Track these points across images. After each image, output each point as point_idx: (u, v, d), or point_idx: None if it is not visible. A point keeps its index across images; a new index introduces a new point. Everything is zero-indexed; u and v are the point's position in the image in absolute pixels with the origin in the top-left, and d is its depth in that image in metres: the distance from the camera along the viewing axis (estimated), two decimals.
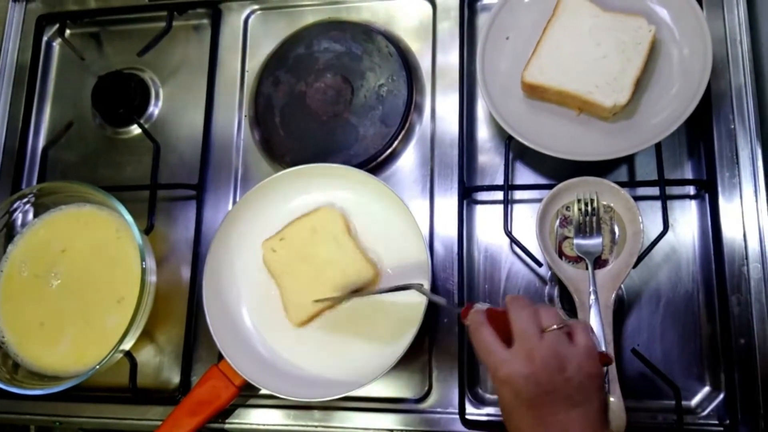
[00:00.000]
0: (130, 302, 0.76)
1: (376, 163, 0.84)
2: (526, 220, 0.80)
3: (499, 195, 0.80)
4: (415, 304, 0.73)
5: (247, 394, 0.79)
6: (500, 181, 0.80)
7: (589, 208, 0.74)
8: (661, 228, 0.73)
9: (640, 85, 0.75)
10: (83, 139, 0.95)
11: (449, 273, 0.80)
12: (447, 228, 0.81)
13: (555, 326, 0.56)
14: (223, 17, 0.95)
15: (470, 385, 0.77)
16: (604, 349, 0.67)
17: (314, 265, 0.79)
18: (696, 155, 0.79)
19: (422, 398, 0.77)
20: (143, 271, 0.76)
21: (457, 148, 0.82)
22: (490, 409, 0.76)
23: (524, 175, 0.82)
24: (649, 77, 0.77)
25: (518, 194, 0.81)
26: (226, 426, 0.79)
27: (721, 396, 0.72)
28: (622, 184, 0.73)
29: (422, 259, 0.74)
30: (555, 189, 0.74)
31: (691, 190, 0.79)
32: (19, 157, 0.94)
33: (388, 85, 0.86)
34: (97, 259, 0.82)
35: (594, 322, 0.68)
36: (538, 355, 0.54)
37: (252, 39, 0.94)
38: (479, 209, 0.82)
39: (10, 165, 0.94)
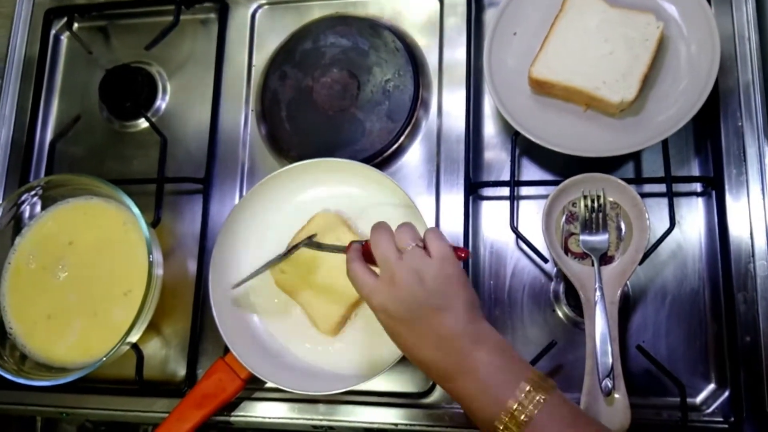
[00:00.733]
0: (137, 295, 0.77)
1: (382, 159, 0.84)
2: (532, 216, 0.80)
3: (505, 191, 0.80)
4: None
5: (253, 387, 0.80)
6: (506, 176, 0.80)
7: (596, 205, 0.74)
8: (667, 225, 0.73)
9: (647, 82, 0.75)
10: (91, 133, 0.95)
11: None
12: (453, 223, 0.81)
13: (411, 245, 0.59)
14: (231, 11, 0.95)
15: None
16: (609, 351, 0.67)
17: (325, 272, 0.78)
18: (703, 152, 0.79)
19: (427, 393, 0.77)
20: (150, 264, 0.76)
21: (463, 144, 0.82)
22: None
23: (530, 171, 0.82)
24: (656, 74, 0.76)
25: (524, 190, 0.81)
26: (232, 419, 0.80)
27: (727, 393, 0.72)
28: (628, 181, 0.73)
29: None
30: (561, 185, 0.74)
31: (697, 187, 0.79)
32: (27, 150, 0.95)
33: (394, 81, 0.86)
34: (105, 251, 0.82)
35: (599, 318, 0.68)
36: (398, 277, 0.58)
37: (259, 33, 0.94)
38: (485, 205, 0.82)
39: (18, 158, 0.95)
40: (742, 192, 0.75)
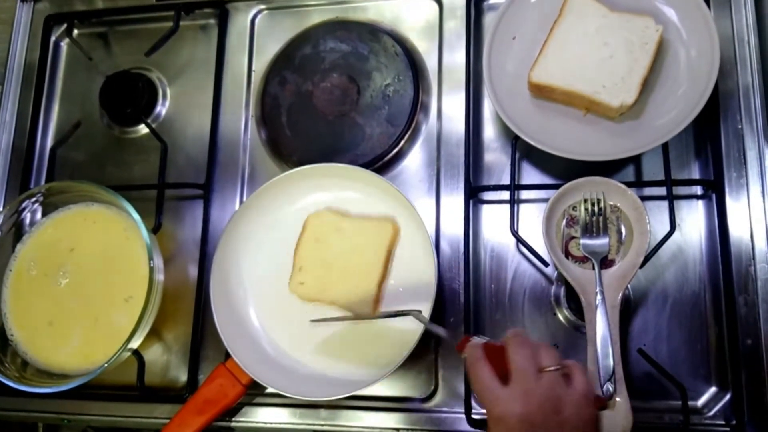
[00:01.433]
0: (138, 301, 0.77)
1: (382, 163, 0.84)
2: (532, 219, 0.80)
3: (505, 195, 0.80)
4: (420, 306, 0.73)
5: (254, 393, 0.80)
6: (507, 180, 0.80)
7: (596, 208, 0.74)
8: (667, 228, 0.73)
9: (647, 85, 0.75)
10: (91, 139, 0.95)
11: (455, 273, 0.80)
12: (453, 227, 0.81)
13: (553, 367, 0.55)
14: (230, 17, 0.95)
15: None
16: (611, 354, 0.67)
17: (341, 264, 0.79)
18: (703, 155, 0.79)
19: (428, 397, 0.77)
20: (151, 270, 0.76)
21: (463, 148, 0.82)
22: None
23: (531, 174, 0.82)
24: (656, 77, 0.76)
25: (525, 194, 0.81)
26: (233, 424, 0.80)
27: (728, 396, 0.72)
28: (628, 184, 0.73)
29: (428, 259, 0.75)
30: (561, 189, 0.74)
31: (698, 190, 0.79)
32: (28, 157, 0.95)
33: (394, 85, 0.86)
34: (105, 258, 0.82)
35: (600, 322, 0.68)
36: (534, 396, 0.54)
37: (259, 39, 0.95)
38: (485, 209, 0.82)
39: (18, 164, 0.95)
40: (743, 195, 0.75)
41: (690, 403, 0.71)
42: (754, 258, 0.73)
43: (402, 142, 0.84)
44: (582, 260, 0.73)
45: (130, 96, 0.92)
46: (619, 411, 0.66)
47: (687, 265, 0.76)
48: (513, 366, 0.56)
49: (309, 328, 0.79)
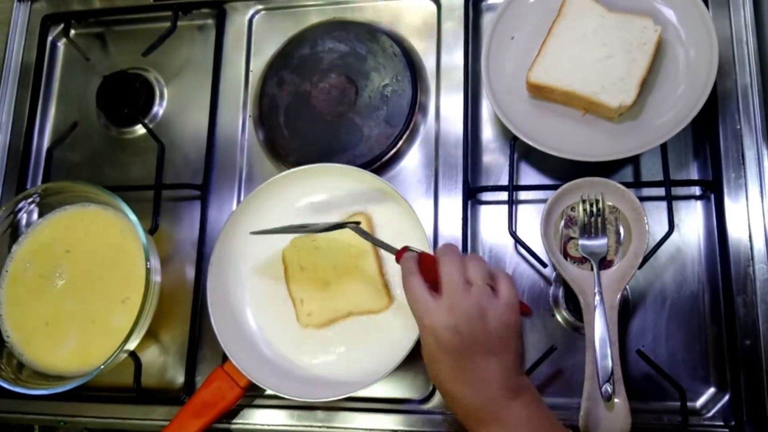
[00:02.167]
0: (134, 302, 0.76)
1: (380, 164, 0.84)
2: (530, 220, 0.80)
3: (503, 195, 0.80)
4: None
5: (252, 395, 0.79)
6: (505, 181, 0.80)
7: (594, 209, 0.74)
8: (666, 229, 0.73)
9: (645, 86, 0.75)
10: (88, 139, 0.95)
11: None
12: (451, 228, 0.81)
13: (480, 280, 0.59)
14: (228, 17, 0.95)
15: None
16: (609, 355, 0.67)
17: (333, 272, 0.79)
18: (702, 156, 0.79)
19: (426, 399, 0.77)
20: (148, 271, 0.76)
21: (461, 149, 0.82)
22: None
23: (529, 175, 0.82)
24: (654, 78, 0.76)
25: (523, 195, 0.81)
26: (232, 426, 0.79)
27: (727, 397, 0.72)
28: (627, 185, 0.73)
29: None
30: (560, 189, 0.74)
31: (696, 190, 0.78)
32: (24, 157, 0.94)
33: (392, 85, 0.86)
34: (102, 259, 0.82)
35: (599, 323, 0.68)
36: (461, 308, 0.57)
37: (256, 39, 0.94)
38: (484, 209, 0.82)
39: (15, 165, 0.94)
40: (741, 195, 0.75)
41: (689, 404, 0.71)
42: (752, 258, 0.73)
43: (400, 143, 0.84)
44: (580, 261, 0.73)
45: (127, 96, 0.92)
46: (618, 412, 0.66)
47: (686, 265, 0.76)
48: (443, 280, 0.59)
49: (306, 330, 0.79)
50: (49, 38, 1.00)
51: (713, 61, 0.73)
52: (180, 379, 0.82)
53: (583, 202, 0.74)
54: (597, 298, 0.69)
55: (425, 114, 0.86)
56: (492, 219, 0.81)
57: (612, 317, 0.69)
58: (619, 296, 0.70)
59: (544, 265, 0.77)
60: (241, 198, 0.88)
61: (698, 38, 0.75)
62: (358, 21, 0.91)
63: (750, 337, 0.71)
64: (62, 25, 0.99)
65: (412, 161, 0.85)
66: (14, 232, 0.85)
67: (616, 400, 0.66)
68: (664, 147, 0.75)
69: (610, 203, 0.74)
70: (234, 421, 0.80)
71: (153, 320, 0.79)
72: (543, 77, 0.76)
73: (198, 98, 0.92)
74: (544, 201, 0.75)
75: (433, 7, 0.90)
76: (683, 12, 0.77)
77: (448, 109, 0.85)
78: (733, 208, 0.75)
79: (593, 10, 0.78)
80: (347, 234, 0.74)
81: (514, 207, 0.79)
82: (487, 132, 0.85)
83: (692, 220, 0.77)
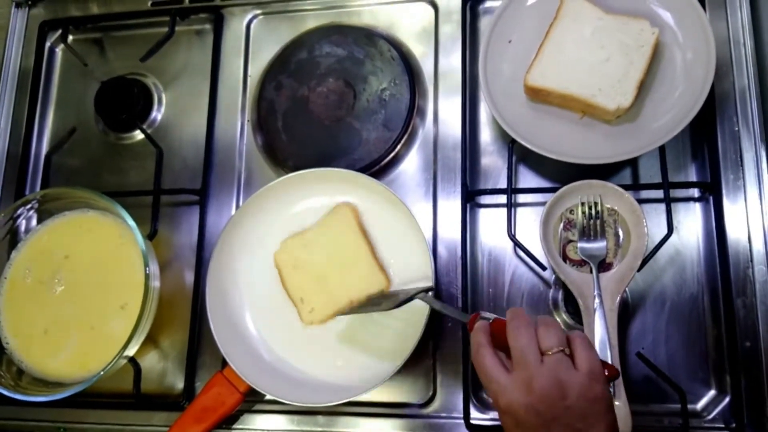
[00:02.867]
0: (133, 308, 0.76)
1: (378, 168, 0.84)
2: (529, 223, 0.80)
3: (502, 198, 0.80)
4: (419, 309, 0.73)
5: (252, 400, 0.79)
6: (503, 184, 0.80)
7: (593, 212, 0.74)
8: (665, 231, 0.73)
9: (643, 88, 0.75)
10: (86, 145, 0.95)
11: (453, 277, 0.79)
12: (450, 232, 0.81)
13: (555, 349, 0.53)
14: (226, 22, 0.95)
15: (475, 390, 0.76)
16: (609, 358, 0.66)
17: (328, 269, 0.79)
18: (700, 157, 0.79)
19: (426, 403, 0.77)
20: (147, 276, 0.76)
21: (460, 152, 0.82)
22: (495, 414, 0.75)
23: (527, 178, 0.82)
24: (652, 80, 0.76)
25: (521, 197, 0.81)
26: None
27: (727, 399, 0.72)
28: (625, 187, 0.73)
29: (425, 263, 0.74)
30: (558, 192, 0.74)
31: (695, 192, 0.78)
32: (23, 163, 0.94)
33: (390, 89, 0.86)
34: (101, 264, 0.82)
35: (598, 325, 0.68)
36: (538, 384, 0.52)
37: (254, 44, 0.94)
38: (482, 213, 0.82)
39: (13, 171, 0.94)
40: (740, 197, 0.75)
41: (689, 406, 0.71)
42: (751, 260, 0.73)
43: (398, 147, 0.84)
44: (579, 264, 0.73)
45: (125, 102, 0.92)
46: (619, 415, 0.65)
47: (685, 267, 0.76)
48: (514, 351, 0.54)
49: (306, 334, 0.78)
50: (47, 44, 1.00)
51: (711, 63, 0.73)
52: (180, 384, 0.82)
53: (582, 204, 0.74)
54: (596, 300, 0.69)
55: (423, 117, 0.86)
56: (491, 222, 0.81)
57: (611, 320, 0.69)
58: (618, 299, 0.70)
59: (544, 268, 0.77)
60: (240, 203, 0.88)
61: (696, 40, 0.75)
62: (355, 25, 0.91)
63: (750, 338, 0.71)
64: (60, 31, 0.99)
65: (411, 165, 0.85)
66: (13, 239, 0.85)
67: (616, 402, 0.66)
68: (662, 149, 0.75)
69: (608, 206, 0.74)
70: (234, 426, 0.79)
71: (152, 326, 0.79)
72: (540, 80, 0.76)
73: (196, 103, 0.92)
74: (542, 204, 0.75)
75: (431, 10, 0.90)
76: (680, 14, 0.77)
77: (446, 112, 0.85)
78: (731, 209, 0.75)
79: (591, 13, 0.78)
80: (335, 226, 0.78)
81: (512, 210, 0.79)
82: (485, 135, 0.85)
83: (691, 222, 0.77)
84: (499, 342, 0.57)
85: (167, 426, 0.77)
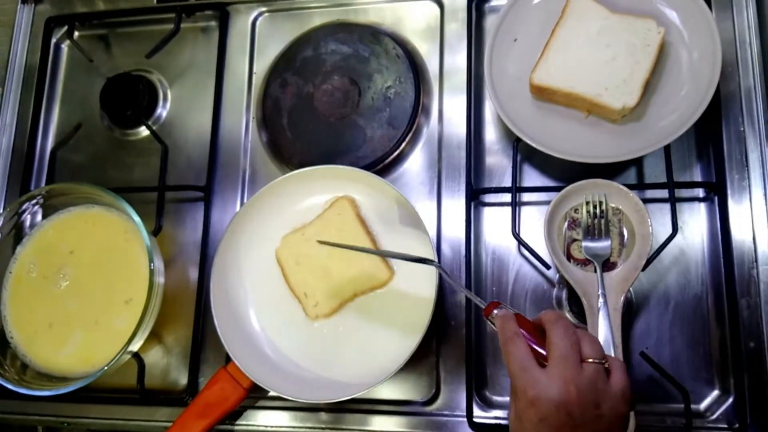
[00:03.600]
0: (138, 303, 0.76)
1: (383, 165, 0.84)
2: (534, 222, 0.80)
3: (507, 197, 0.80)
4: (422, 306, 0.73)
5: (255, 396, 0.79)
6: (508, 183, 0.80)
7: (598, 211, 0.74)
8: (670, 231, 0.73)
9: (649, 87, 0.75)
10: (91, 141, 0.95)
11: (457, 275, 0.79)
12: (454, 230, 0.81)
13: (597, 359, 0.54)
14: (231, 19, 0.95)
15: (478, 388, 0.76)
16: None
17: (329, 261, 0.79)
18: (705, 157, 0.79)
19: (429, 401, 0.77)
20: (151, 272, 0.76)
21: (464, 150, 0.82)
22: (498, 412, 0.75)
23: (532, 177, 0.82)
24: (658, 79, 0.76)
25: (526, 196, 0.81)
26: (235, 428, 0.79)
27: (731, 399, 0.72)
28: (630, 187, 0.73)
29: (429, 256, 0.74)
30: (563, 191, 0.74)
31: (700, 192, 0.78)
32: (28, 159, 0.95)
33: (395, 87, 0.86)
34: (106, 260, 0.82)
35: (602, 325, 0.68)
36: (576, 386, 0.52)
37: (260, 41, 0.94)
38: (487, 211, 0.82)
39: (19, 166, 0.95)
40: (745, 197, 0.75)
41: (692, 406, 0.71)
42: (756, 260, 0.73)
43: (403, 145, 0.84)
44: (584, 263, 0.73)
45: (130, 98, 0.92)
46: None
47: (689, 267, 0.76)
48: (555, 351, 0.54)
49: (309, 331, 0.79)
50: (53, 40, 1.00)
51: (716, 62, 0.73)
52: (183, 380, 0.82)
53: (587, 203, 0.74)
54: (600, 300, 0.69)
55: (428, 116, 0.86)
56: (495, 221, 0.81)
57: (615, 319, 0.69)
58: (622, 298, 0.70)
59: (548, 267, 0.77)
60: (245, 200, 0.88)
61: (701, 40, 0.75)
62: (361, 23, 0.91)
63: (754, 339, 0.71)
64: (66, 27, 1.00)
65: (415, 163, 0.85)
66: (18, 234, 0.85)
67: None
68: (667, 149, 0.75)
69: (613, 205, 0.74)
70: (237, 422, 0.80)
71: (156, 321, 0.80)
72: (546, 79, 0.76)
73: (201, 100, 0.92)
74: (547, 203, 0.75)
75: (436, 8, 0.90)
76: (686, 14, 0.77)
77: (451, 110, 0.85)
78: (736, 210, 0.75)
79: (596, 12, 0.78)
80: (335, 219, 0.78)
81: (517, 209, 0.79)
82: (490, 134, 0.85)
83: (696, 222, 0.77)
84: (532, 339, 0.56)
85: (170, 421, 0.77)
